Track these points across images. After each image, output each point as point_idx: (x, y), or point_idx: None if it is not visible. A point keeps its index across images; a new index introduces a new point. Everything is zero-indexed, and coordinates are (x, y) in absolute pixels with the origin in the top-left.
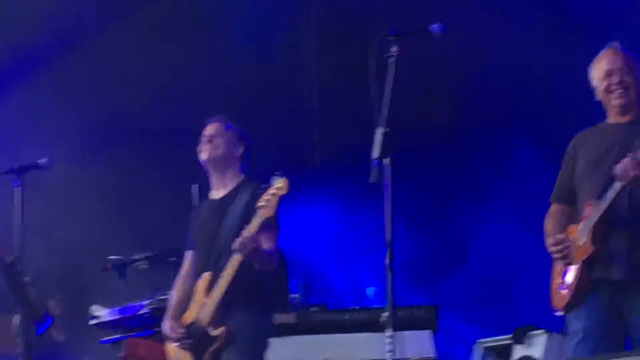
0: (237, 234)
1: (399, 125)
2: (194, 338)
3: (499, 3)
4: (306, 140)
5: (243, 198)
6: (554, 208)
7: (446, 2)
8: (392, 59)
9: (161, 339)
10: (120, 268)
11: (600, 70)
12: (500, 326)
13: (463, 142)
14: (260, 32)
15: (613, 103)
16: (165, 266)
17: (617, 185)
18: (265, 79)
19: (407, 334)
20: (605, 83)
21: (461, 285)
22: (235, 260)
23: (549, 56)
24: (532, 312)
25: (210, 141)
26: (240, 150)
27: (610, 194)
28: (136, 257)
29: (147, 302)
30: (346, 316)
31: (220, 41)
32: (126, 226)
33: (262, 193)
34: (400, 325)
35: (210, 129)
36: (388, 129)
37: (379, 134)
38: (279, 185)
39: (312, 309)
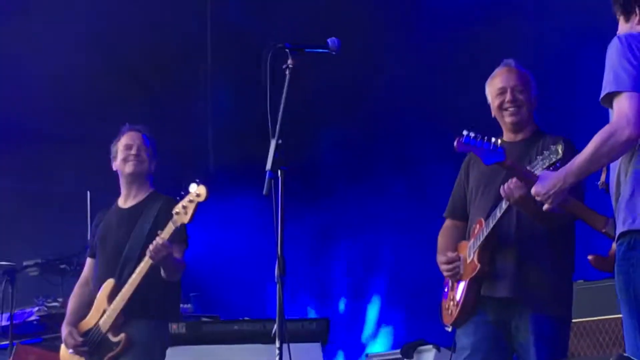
0: (144, 245)
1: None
2: (92, 344)
3: (398, 15)
4: (200, 150)
5: (153, 210)
6: (447, 223)
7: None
8: (287, 71)
9: (50, 346)
10: (10, 274)
11: (494, 88)
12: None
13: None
14: (155, 36)
15: (506, 120)
16: (55, 273)
17: (504, 205)
18: (159, 85)
19: (296, 346)
20: (498, 101)
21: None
22: (143, 267)
23: (452, 67)
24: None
25: (137, 154)
26: (154, 165)
27: (497, 213)
28: (26, 263)
29: (36, 309)
30: (236, 327)
31: (115, 44)
32: (17, 232)
33: (175, 204)
34: (290, 337)
35: (132, 140)
36: (281, 141)
37: (272, 145)
38: (198, 192)
39: (204, 319)
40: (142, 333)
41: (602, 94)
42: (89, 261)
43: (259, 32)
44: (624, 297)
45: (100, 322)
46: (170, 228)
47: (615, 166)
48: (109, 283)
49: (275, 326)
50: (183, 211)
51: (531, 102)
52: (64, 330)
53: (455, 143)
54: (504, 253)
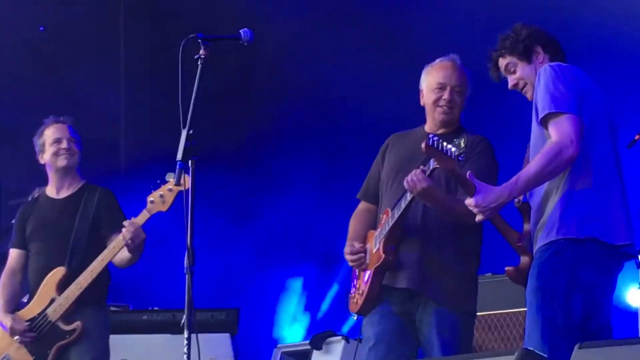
0: (89, 235)
1: (204, 127)
2: (39, 332)
3: (315, 13)
4: (112, 143)
5: (92, 201)
6: (360, 207)
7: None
8: (200, 62)
9: None
10: None
11: (433, 80)
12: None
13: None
14: (68, 21)
15: (436, 116)
16: None
17: (408, 196)
18: (70, 79)
19: (205, 336)
20: (435, 95)
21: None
22: (107, 255)
23: (360, 67)
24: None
25: (68, 148)
26: (80, 155)
27: (402, 204)
28: None
29: None
30: (145, 317)
31: (26, 30)
32: None
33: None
34: (199, 327)
35: (60, 133)
36: (192, 131)
37: (183, 136)
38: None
39: (113, 308)
40: (93, 321)
41: (542, 113)
42: (15, 252)
43: (174, 21)
44: (535, 296)
45: (49, 310)
46: (144, 216)
47: (541, 186)
48: (59, 271)
49: (184, 316)
50: (160, 200)
51: (463, 104)
52: (6, 318)
53: (422, 145)
54: (408, 244)
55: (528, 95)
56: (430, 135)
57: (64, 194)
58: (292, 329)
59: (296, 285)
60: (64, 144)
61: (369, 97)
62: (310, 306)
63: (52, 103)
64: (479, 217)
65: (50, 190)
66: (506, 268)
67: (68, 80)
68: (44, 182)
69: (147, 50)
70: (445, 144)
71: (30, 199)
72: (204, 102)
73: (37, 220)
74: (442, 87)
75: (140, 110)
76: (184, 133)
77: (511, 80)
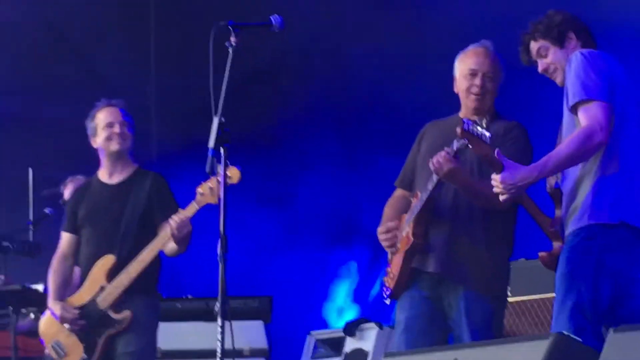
0: (139, 222)
1: (235, 115)
2: (89, 320)
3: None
4: (144, 132)
5: (144, 186)
6: (396, 193)
7: None
8: (230, 49)
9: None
10: None
11: (465, 67)
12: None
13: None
14: (97, 10)
15: (468, 103)
16: None
17: (434, 178)
18: (100, 67)
19: (239, 324)
20: (467, 83)
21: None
22: (157, 245)
23: (386, 51)
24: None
25: (121, 132)
26: (133, 139)
27: (429, 187)
28: None
29: None
30: (178, 305)
31: (55, 21)
32: None
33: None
34: (232, 315)
35: (113, 117)
36: (223, 119)
37: (215, 123)
38: (229, 174)
39: None
40: (143, 310)
41: (573, 101)
42: (66, 236)
43: (203, 7)
44: (564, 280)
45: (98, 298)
46: (193, 207)
47: (573, 172)
48: (109, 259)
49: (218, 304)
50: (209, 192)
51: (496, 90)
52: (56, 306)
53: (458, 129)
54: (438, 227)
55: (557, 81)
56: (465, 120)
57: (116, 179)
58: (338, 316)
59: (342, 272)
60: (117, 128)
61: (395, 81)
62: (355, 294)
63: (82, 92)
64: (503, 196)
65: (103, 175)
66: (539, 253)
67: (97, 69)
68: (75, 170)
69: (178, 37)
70: (479, 128)
71: (62, 187)
72: (232, 88)
73: (89, 206)
74: (473, 74)
75: (171, 98)
76: (215, 120)
77: (542, 64)
